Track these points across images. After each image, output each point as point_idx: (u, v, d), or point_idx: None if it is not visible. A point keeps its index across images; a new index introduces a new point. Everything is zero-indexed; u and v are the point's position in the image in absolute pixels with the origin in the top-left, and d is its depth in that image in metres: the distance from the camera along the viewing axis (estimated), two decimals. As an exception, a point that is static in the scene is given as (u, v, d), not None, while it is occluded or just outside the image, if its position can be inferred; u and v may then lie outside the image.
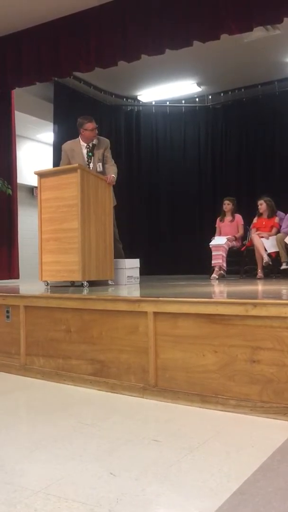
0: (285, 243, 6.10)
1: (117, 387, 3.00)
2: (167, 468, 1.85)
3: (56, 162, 7.08)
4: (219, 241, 6.49)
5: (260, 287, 4.45)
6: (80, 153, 4.92)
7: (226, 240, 6.45)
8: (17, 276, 6.49)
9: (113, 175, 4.73)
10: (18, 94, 6.67)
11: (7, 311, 3.69)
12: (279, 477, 1.74)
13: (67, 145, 5.05)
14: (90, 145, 4.91)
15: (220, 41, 4.94)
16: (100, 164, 4.91)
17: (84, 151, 4.94)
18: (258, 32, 5.74)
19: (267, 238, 6.26)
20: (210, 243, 6.52)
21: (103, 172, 4.86)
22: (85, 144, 4.94)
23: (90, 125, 4.89)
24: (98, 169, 4.87)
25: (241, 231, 6.78)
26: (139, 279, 5.02)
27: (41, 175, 4.47)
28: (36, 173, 4.53)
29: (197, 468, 1.84)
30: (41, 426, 2.43)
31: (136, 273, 4.99)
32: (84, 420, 2.48)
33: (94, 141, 4.94)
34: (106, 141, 5.05)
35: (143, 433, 2.28)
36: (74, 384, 3.21)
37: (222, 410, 2.57)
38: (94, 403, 2.86)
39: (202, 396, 2.66)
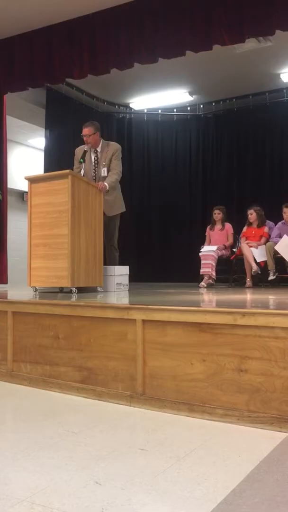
0: (274, 253, 6.15)
1: (104, 395, 2.99)
2: (154, 478, 1.84)
3: (47, 168, 7.07)
4: (208, 250, 6.51)
5: (248, 296, 4.47)
6: (88, 157, 4.90)
7: (215, 248, 6.48)
8: (5, 281, 6.46)
9: (105, 183, 4.69)
10: (10, 99, 6.66)
11: (-5, 317, 3.65)
12: (266, 487, 1.74)
13: (78, 149, 5.02)
14: (87, 149, 4.89)
15: (213, 51, 4.99)
16: (105, 169, 4.85)
17: (93, 156, 4.93)
18: (250, 44, 5.83)
19: (256, 248, 6.31)
20: (200, 252, 6.54)
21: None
22: (93, 149, 4.92)
23: (83, 131, 4.89)
24: (102, 175, 4.82)
25: (230, 240, 6.81)
26: (128, 286, 5.01)
27: (32, 180, 4.46)
28: (26, 178, 4.51)
29: (183, 478, 1.84)
30: (27, 434, 2.40)
31: (125, 280, 4.99)
32: (70, 428, 2.46)
33: (97, 148, 4.92)
34: (114, 147, 4.98)
35: (130, 442, 2.27)
36: (61, 391, 3.19)
37: (209, 419, 2.57)
38: (81, 411, 2.84)
39: (189, 405, 2.66)
